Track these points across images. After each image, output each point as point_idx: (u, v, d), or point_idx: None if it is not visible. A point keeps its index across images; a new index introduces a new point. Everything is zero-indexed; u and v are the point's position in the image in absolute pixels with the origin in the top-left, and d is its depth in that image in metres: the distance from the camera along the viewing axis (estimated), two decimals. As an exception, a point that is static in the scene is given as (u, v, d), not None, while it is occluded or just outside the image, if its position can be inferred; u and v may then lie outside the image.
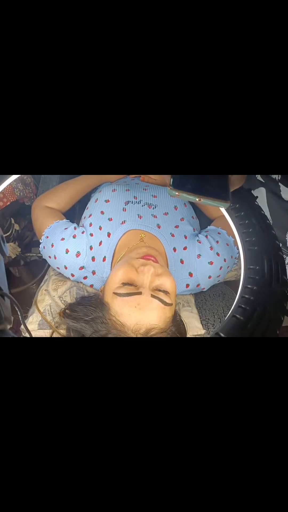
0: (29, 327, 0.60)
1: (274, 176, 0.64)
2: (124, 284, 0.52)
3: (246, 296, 0.36)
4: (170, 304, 0.53)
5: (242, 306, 0.35)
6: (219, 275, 0.68)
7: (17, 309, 0.36)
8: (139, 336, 0.49)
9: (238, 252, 0.64)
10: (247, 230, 0.43)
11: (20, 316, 0.38)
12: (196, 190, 0.35)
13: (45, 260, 0.74)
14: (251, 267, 0.39)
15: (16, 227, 1.11)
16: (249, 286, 0.37)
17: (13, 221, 1.10)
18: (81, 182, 0.79)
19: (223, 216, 0.51)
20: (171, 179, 0.36)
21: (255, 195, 0.58)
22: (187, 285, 0.67)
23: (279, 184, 0.64)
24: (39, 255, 0.92)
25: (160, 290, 0.52)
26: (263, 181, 0.67)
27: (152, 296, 0.51)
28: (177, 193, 0.34)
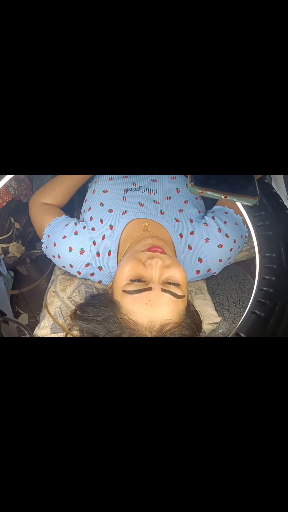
0: (42, 332, 0.60)
1: None
2: (133, 280, 0.50)
3: (265, 288, 0.33)
4: (182, 296, 0.50)
5: (261, 300, 0.32)
6: (230, 257, 0.65)
7: (24, 330, 0.35)
8: (153, 333, 0.47)
9: (248, 230, 0.60)
10: (258, 213, 0.39)
11: (28, 335, 0.37)
12: (220, 187, 0.31)
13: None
14: (267, 255, 0.36)
15: (17, 225, 1.08)
16: (266, 277, 0.34)
17: (12, 220, 1.07)
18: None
19: None
20: (191, 177, 0.32)
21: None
22: (198, 272, 0.64)
23: None
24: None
25: (170, 283, 0.50)
26: None
27: (163, 290, 0.49)
28: (200, 191, 0.31)
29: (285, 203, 0.42)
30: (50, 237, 0.65)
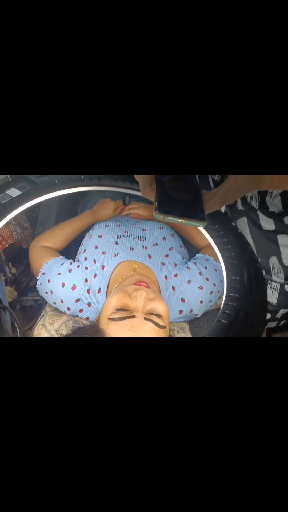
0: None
1: (253, 204, 0.70)
2: (118, 309, 0.55)
3: (229, 303, 0.38)
4: (164, 327, 0.54)
5: (226, 312, 0.37)
6: (211, 300, 0.70)
7: (16, 325, 0.38)
8: None
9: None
10: (226, 246, 0.47)
11: (18, 333, 0.40)
12: (178, 213, 0.40)
13: (40, 306, 0.76)
14: (232, 278, 0.42)
15: (13, 270, 1.14)
16: (231, 294, 0.40)
17: (10, 265, 1.13)
18: (76, 222, 0.85)
19: (210, 244, 0.56)
20: (156, 205, 0.41)
21: (239, 226, 0.64)
22: (181, 311, 0.69)
23: (258, 212, 0.70)
24: (36, 298, 0.94)
25: (153, 314, 0.54)
26: (244, 209, 0.73)
27: (146, 319, 0.53)
28: (162, 217, 0.39)
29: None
30: (45, 274, 0.71)
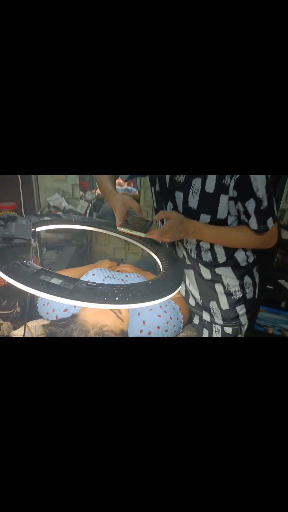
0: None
1: (193, 256, 0.90)
2: None
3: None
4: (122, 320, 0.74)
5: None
6: (167, 330, 0.88)
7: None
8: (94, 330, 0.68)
9: (183, 319, 0.88)
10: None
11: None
12: (130, 227, 0.69)
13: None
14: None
15: (18, 309, 1.34)
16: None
17: (17, 304, 1.34)
18: (82, 269, 1.13)
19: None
20: (121, 223, 0.71)
21: (187, 276, 0.90)
22: (141, 331, 0.86)
23: (199, 264, 0.90)
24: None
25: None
26: (190, 263, 0.96)
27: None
28: (122, 229, 0.68)
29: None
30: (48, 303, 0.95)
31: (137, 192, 2.53)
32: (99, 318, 0.71)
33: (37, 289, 0.47)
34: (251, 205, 0.73)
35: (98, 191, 2.26)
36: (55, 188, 1.98)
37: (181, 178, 0.78)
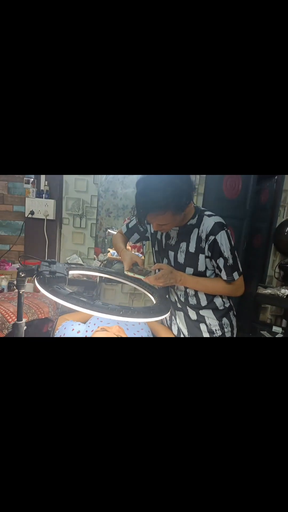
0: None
1: (182, 299, 1.14)
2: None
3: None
4: None
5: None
6: None
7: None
8: None
9: None
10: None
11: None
12: (134, 271, 0.97)
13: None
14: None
15: None
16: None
17: None
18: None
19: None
20: (130, 270, 1.00)
21: (178, 318, 1.14)
22: None
23: (187, 307, 1.14)
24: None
25: None
26: (180, 306, 1.20)
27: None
28: (128, 273, 0.96)
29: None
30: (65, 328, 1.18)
31: (143, 258, 2.90)
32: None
33: (70, 302, 0.73)
34: (220, 262, 1.04)
35: (109, 254, 2.62)
36: (73, 250, 2.35)
37: (172, 241, 1.11)
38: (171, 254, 1.11)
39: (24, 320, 0.87)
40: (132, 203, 3.18)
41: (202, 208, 1.10)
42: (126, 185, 3.29)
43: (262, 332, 1.61)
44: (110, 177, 3.07)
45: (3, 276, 1.91)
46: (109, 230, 2.92)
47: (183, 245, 1.07)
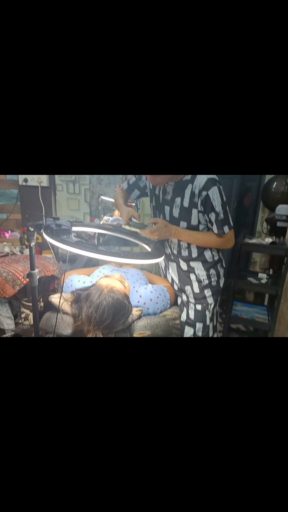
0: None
1: (175, 252, 1.27)
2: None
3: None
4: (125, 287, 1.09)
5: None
6: (157, 302, 1.22)
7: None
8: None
9: (170, 297, 1.24)
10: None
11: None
12: (133, 226, 1.08)
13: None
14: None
15: (42, 304, 1.68)
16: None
17: (41, 300, 1.68)
18: (91, 269, 1.50)
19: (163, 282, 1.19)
20: (127, 224, 1.11)
21: (171, 268, 1.26)
22: (138, 301, 1.20)
23: (178, 258, 1.27)
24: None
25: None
26: (172, 257, 1.32)
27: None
28: (125, 227, 1.07)
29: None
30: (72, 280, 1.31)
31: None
32: (110, 283, 1.06)
33: (78, 248, 0.85)
34: (212, 216, 1.12)
35: (103, 221, 2.70)
36: (69, 216, 2.43)
37: (168, 196, 1.19)
38: (167, 208, 1.20)
39: (36, 270, 0.99)
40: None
41: None
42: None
43: (249, 278, 1.77)
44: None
45: (5, 243, 2.00)
46: (101, 197, 2.96)
47: (178, 200, 1.15)
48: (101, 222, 2.74)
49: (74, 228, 1.18)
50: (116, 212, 2.56)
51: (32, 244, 0.97)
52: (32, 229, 0.95)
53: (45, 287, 1.59)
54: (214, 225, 1.13)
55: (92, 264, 1.79)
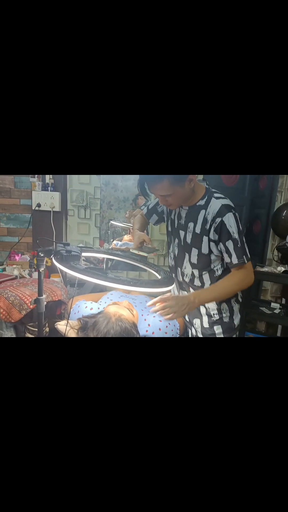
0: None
1: (188, 280, 1.22)
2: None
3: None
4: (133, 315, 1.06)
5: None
6: (166, 332, 1.17)
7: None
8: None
9: (180, 326, 1.20)
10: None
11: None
12: (141, 250, 1.07)
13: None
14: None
15: (47, 329, 1.64)
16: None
17: (47, 325, 1.65)
18: (99, 295, 1.48)
19: None
20: (137, 248, 1.10)
21: None
22: (146, 331, 1.16)
23: (190, 289, 1.23)
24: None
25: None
26: (184, 287, 1.29)
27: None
28: (137, 251, 1.06)
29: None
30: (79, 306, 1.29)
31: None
32: (118, 310, 1.04)
33: (87, 275, 0.83)
34: (230, 245, 1.03)
35: (113, 245, 2.72)
36: (79, 240, 2.45)
37: (182, 221, 1.15)
38: (182, 233, 1.15)
39: (44, 296, 0.98)
40: (132, 195, 3.26)
41: (213, 190, 1.10)
42: (126, 178, 3.36)
43: (261, 308, 1.71)
44: (111, 169, 3.14)
45: (14, 266, 2.02)
46: (111, 222, 3.01)
47: (191, 225, 1.10)
48: (110, 246, 2.76)
49: (84, 254, 1.18)
50: (126, 237, 2.58)
51: (41, 269, 0.96)
52: (42, 255, 0.95)
53: (52, 312, 1.56)
54: (233, 255, 1.03)
55: (100, 289, 1.77)
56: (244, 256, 1.04)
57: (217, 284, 1.08)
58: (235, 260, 1.04)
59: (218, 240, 1.05)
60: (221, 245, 1.05)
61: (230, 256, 1.05)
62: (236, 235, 1.02)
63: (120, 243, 2.76)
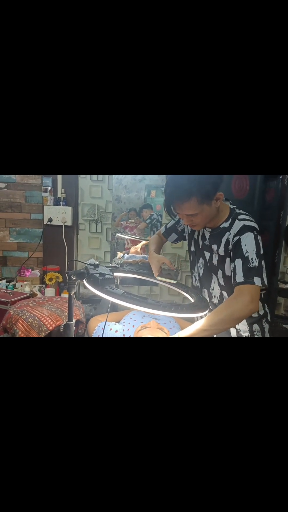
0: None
1: (216, 301, 1.18)
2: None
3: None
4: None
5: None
6: None
7: None
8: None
9: None
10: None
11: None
12: (164, 276, 1.03)
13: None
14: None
15: None
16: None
17: None
18: (121, 314, 1.43)
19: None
20: (160, 273, 1.05)
21: None
22: None
23: None
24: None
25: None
26: (211, 308, 1.26)
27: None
28: (160, 278, 1.02)
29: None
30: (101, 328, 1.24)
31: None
32: (154, 334, 0.99)
33: (125, 301, 0.79)
34: (238, 263, 0.94)
35: (118, 256, 2.68)
36: (90, 255, 2.41)
37: (207, 242, 1.13)
38: (207, 254, 1.14)
39: (66, 321, 0.92)
40: (135, 207, 3.25)
41: (238, 211, 1.07)
42: (129, 190, 3.36)
43: (285, 326, 1.67)
44: (114, 182, 3.15)
45: (26, 282, 1.96)
46: (118, 234, 2.98)
47: (215, 247, 1.09)
48: (117, 258, 2.72)
49: (118, 274, 1.13)
50: (132, 249, 2.54)
51: (72, 293, 0.92)
52: (74, 278, 0.90)
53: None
54: (239, 273, 0.90)
55: (118, 307, 1.72)
56: (254, 278, 0.89)
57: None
58: (240, 278, 0.90)
59: (231, 259, 0.99)
60: (232, 264, 0.97)
61: (235, 274, 0.92)
62: (249, 255, 0.92)
63: (127, 255, 2.73)
